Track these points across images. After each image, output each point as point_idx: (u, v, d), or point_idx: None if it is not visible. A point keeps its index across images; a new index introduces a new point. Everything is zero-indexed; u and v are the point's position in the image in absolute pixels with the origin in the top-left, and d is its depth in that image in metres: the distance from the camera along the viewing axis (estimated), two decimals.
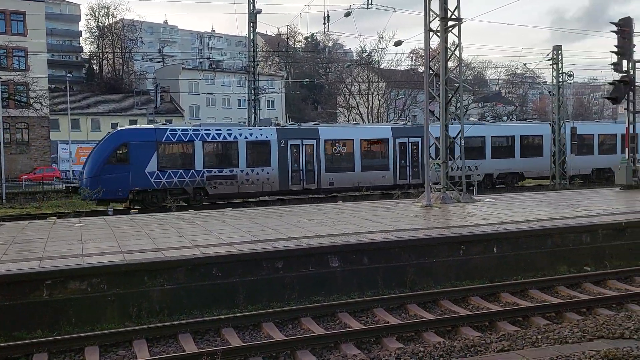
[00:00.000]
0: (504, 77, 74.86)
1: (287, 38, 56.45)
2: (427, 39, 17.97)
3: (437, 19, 18.07)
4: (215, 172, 26.44)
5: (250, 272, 10.27)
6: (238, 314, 9.35)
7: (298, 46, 75.14)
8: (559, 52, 30.87)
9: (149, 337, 8.56)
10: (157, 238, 12.30)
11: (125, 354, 8.26)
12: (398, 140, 29.93)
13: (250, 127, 29.13)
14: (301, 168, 27.96)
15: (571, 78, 31.83)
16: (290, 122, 38.62)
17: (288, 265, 10.52)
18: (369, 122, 40.10)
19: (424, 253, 11.56)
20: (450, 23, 18.17)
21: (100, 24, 76.68)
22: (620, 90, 21.98)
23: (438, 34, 18.20)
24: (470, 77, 69.43)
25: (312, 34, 62.21)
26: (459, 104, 20.07)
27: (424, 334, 8.64)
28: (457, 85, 19.36)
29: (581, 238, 12.96)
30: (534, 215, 14.79)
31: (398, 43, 25.91)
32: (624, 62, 21.71)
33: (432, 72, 18.91)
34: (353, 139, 29.05)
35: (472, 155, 29.13)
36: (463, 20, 18.20)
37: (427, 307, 10.10)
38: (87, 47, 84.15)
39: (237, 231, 13.10)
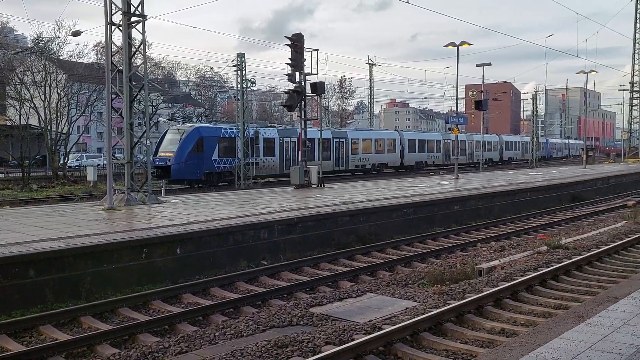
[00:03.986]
0: (194, 79, 76.36)
1: None
2: (109, 33, 16.97)
3: (120, 12, 17.23)
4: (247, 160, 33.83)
5: None
6: None
7: None
8: (243, 59, 32.71)
9: None
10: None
11: None
12: (335, 139, 42.82)
13: (262, 127, 38.43)
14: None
15: (254, 85, 34.16)
16: None
17: None
18: (45, 116, 36.65)
19: (104, 259, 10.80)
20: (134, 19, 17.51)
21: None
22: (294, 98, 24.30)
23: (121, 28, 17.37)
24: (160, 77, 68.91)
25: None
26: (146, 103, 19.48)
27: (98, 347, 8.00)
28: (143, 83, 18.75)
29: (260, 234, 13.80)
30: (218, 214, 15.20)
31: (76, 33, 24.02)
32: (297, 74, 24.05)
33: (115, 67, 17.94)
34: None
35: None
36: (147, 18, 17.75)
37: (104, 318, 9.43)
38: None
39: None
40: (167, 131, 34.73)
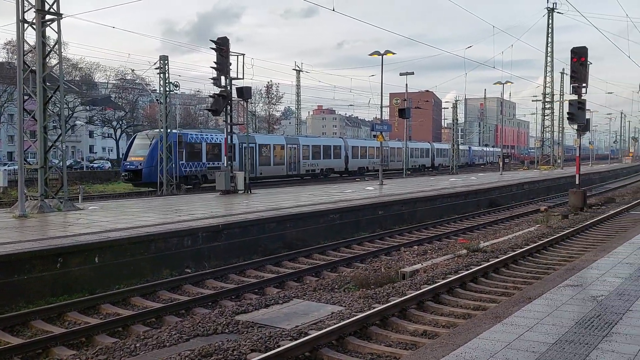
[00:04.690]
0: (113, 82, 73.71)
1: None
2: (21, 31, 16.08)
3: (33, 10, 16.39)
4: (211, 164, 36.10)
5: None
6: None
7: None
8: (166, 62, 31.95)
9: None
10: None
11: None
12: (288, 145, 45.45)
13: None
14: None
15: (177, 88, 33.45)
16: None
17: None
18: None
19: (14, 270, 10.18)
20: (48, 17, 16.71)
21: None
22: (220, 103, 23.98)
23: (34, 26, 16.52)
24: (78, 78, 66.09)
25: None
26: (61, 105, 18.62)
27: None
28: (59, 84, 17.93)
29: (183, 241, 13.47)
30: (139, 221, 14.72)
31: None
32: (222, 78, 23.76)
33: (28, 67, 17.04)
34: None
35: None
36: (63, 16, 16.98)
37: (15, 331, 8.89)
38: None
39: None
40: (135, 136, 35.39)
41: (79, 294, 10.81)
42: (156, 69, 31.68)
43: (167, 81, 31.60)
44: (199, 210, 17.75)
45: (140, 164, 33.45)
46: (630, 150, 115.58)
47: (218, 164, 35.88)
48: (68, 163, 41.88)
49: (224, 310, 9.71)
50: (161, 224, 14.21)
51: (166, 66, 31.66)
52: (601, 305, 7.30)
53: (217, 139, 37.92)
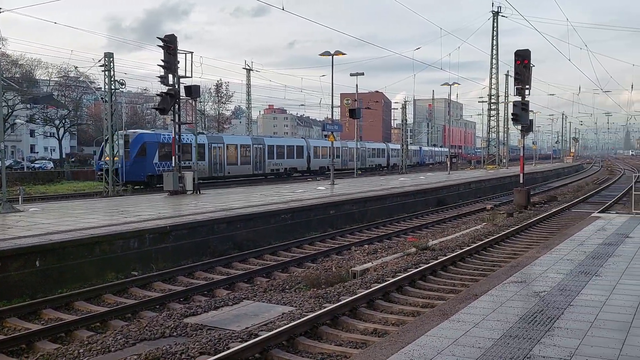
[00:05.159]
0: (56, 79, 71.21)
1: None
2: None
3: None
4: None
5: None
6: None
7: None
8: (111, 59, 31.10)
9: None
10: None
11: None
12: (254, 145, 46.90)
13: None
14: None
15: (123, 86, 32.55)
16: None
17: None
18: None
19: None
20: None
21: None
22: (167, 101, 23.51)
23: None
24: (18, 75, 63.57)
25: None
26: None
27: None
28: None
29: (129, 244, 13.14)
30: (83, 223, 14.28)
31: None
32: (170, 76, 23.32)
33: None
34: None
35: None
36: (2, 10, 16.32)
37: None
38: None
39: None
40: (110, 138, 34.59)
41: (19, 299, 10.40)
42: (101, 66, 30.80)
43: (112, 79, 30.76)
44: (146, 211, 17.37)
45: (118, 163, 33.63)
46: (571, 150, 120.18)
47: (188, 163, 36.83)
48: (7, 163, 40.34)
49: (172, 313, 9.52)
50: (106, 226, 13.83)
51: (111, 63, 30.83)
52: (544, 300, 7.53)
53: (186, 139, 38.90)
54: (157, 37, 23.33)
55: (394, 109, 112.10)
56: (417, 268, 12.07)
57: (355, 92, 51.42)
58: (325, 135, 40.97)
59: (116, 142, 33.62)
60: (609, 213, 20.20)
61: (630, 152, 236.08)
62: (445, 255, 13.45)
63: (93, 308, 10.27)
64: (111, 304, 10.61)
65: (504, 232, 17.04)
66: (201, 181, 37.64)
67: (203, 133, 46.18)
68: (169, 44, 23.04)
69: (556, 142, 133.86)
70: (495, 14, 58.72)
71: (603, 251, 11.19)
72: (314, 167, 55.46)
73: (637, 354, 5.49)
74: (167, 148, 36.11)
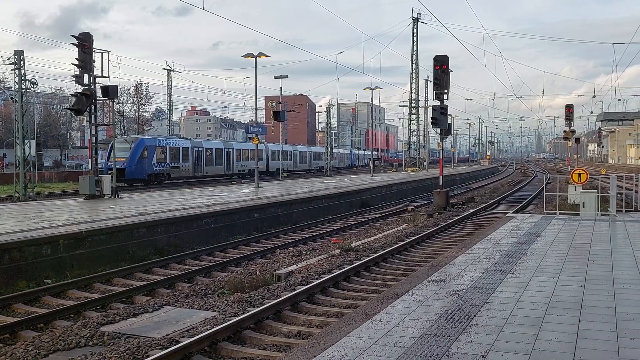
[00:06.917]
0: None
1: None
2: None
3: None
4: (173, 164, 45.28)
5: None
6: None
7: None
8: (21, 57, 29.44)
9: None
10: None
11: None
12: (226, 149, 54.37)
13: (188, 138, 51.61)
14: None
15: (35, 86, 30.86)
16: None
17: None
18: None
19: None
20: None
21: None
22: (83, 102, 22.52)
23: None
24: None
25: None
26: None
27: None
28: None
29: (42, 250, 12.47)
30: None
31: None
32: (85, 76, 22.38)
33: None
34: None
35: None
36: None
37: None
38: None
39: None
40: (114, 141, 36.41)
41: None
42: (10, 64, 29.11)
43: (22, 78, 29.13)
44: (60, 216, 16.56)
45: (124, 163, 39.44)
46: (488, 154, 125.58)
47: (177, 164, 45.82)
48: None
49: (88, 321, 9.11)
50: (16, 232, 13.06)
51: (22, 62, 29.19)
52: (462, 298, 7.77)
53: (177, 144, 46.87)
54: (71, 35, 22.37)
55: (318, 112, 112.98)
56: (341, 269, 12.18)
57: (279, 94, 51.37)
58: (250, 138, 44.75)
59: (119, 145, 37.74)
60: (523, 213, 21.21)
61: (542, 155, 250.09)
62: (368, 256, 13.65)
63: (1, 318, 9.65)
64: (21, 314, 10.03)
65: (424, 233, 17.52)
66: (121, 185, 38.21)
67: (186, 138, 53.44)
68: (84, 42, 22.12)
69: (473, 146, 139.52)
70: (415, 21, 60.45)
71: (517, 250, 11.71)
72: (272, 168, 62.32)
73: (548, 347, 5.76)
74: (163, 151, 44.61)
